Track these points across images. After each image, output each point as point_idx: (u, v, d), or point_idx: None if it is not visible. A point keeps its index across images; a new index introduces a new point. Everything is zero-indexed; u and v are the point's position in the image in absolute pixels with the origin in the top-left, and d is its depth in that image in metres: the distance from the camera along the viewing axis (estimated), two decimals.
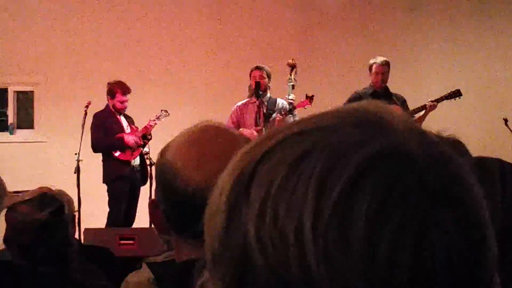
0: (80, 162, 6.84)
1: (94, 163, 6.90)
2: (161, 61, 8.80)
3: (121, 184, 6.80)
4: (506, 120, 7.57)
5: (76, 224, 2.59)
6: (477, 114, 8.65)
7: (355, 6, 9.01)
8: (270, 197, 0.50)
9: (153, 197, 1.33)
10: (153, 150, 6.62)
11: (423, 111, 6.62)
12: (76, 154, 6.84)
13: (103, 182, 6.89)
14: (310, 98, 6.38)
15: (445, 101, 6.80)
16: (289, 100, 6.46)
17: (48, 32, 8.81)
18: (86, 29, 8.83)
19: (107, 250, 3.61)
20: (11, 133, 9.06)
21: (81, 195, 6.70)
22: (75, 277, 2.24)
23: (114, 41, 8.82)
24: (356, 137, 0.51)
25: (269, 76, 6.59)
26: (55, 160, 8.39)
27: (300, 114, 6.32)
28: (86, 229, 5.88)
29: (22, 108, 9.30)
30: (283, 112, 6.43)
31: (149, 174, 6.86)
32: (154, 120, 7.11)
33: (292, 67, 6.70)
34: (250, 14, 8.94)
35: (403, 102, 6.74)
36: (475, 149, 1.81)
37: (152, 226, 1.38)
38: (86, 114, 7.11)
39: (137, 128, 7.06)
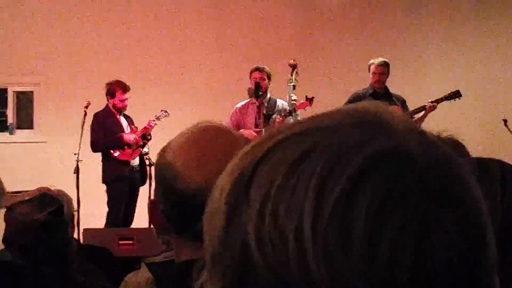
0: (79, 162, 6.84)
1: (93, 164, 6.89)
2: (161, 61, 8.79)
3: (121, 185, 6.81)
4: (505, 121, 7.57)
5: (75, 224, 2.59)
6: (477, 114, 8.64)
7: (355, 6, 9.01)
8: (270, 197, 0.50)
9: (152, 197, 1.33)
10: (153, 150, 6.62)
11: (423, 112, 6.63)
12: (75, 154, 6.84)
13: (103, 182, 6.89)
14: (310, 100, 6.38)
15: (444, 102, 6.80)
16: (292, 101, 6.46)
17: (48, 32, 8.80)
18: (86, 29, 8.82)
19: (106, 250, 3.60)
20: (11, 133, 9.06)
21: (80, 195, 6.69)
22: (75, 277, 2.24)
23: (114, 41, 8.82)
24: (356, 137, 0.51)
25: (269, 77, 6.58)
26: (55, 160, 8.39)
27: (300, 115, 6.31)
28: (85, 229, 5.87)
29: (22, 108, 9.30)
30: (283, 113, 6.42)
31: (148, 175, 6.86)
32: (154, 120, 7.11)
33: (293, 67, 6.70)
34: (250, 14, 8.93)
35: (402, 103, 6.75)
36: (475, 150, 1.82)
37: (151, 226, 1.37)
38: (85, 114, 7.11)
39: (137, 128, 7.06)
